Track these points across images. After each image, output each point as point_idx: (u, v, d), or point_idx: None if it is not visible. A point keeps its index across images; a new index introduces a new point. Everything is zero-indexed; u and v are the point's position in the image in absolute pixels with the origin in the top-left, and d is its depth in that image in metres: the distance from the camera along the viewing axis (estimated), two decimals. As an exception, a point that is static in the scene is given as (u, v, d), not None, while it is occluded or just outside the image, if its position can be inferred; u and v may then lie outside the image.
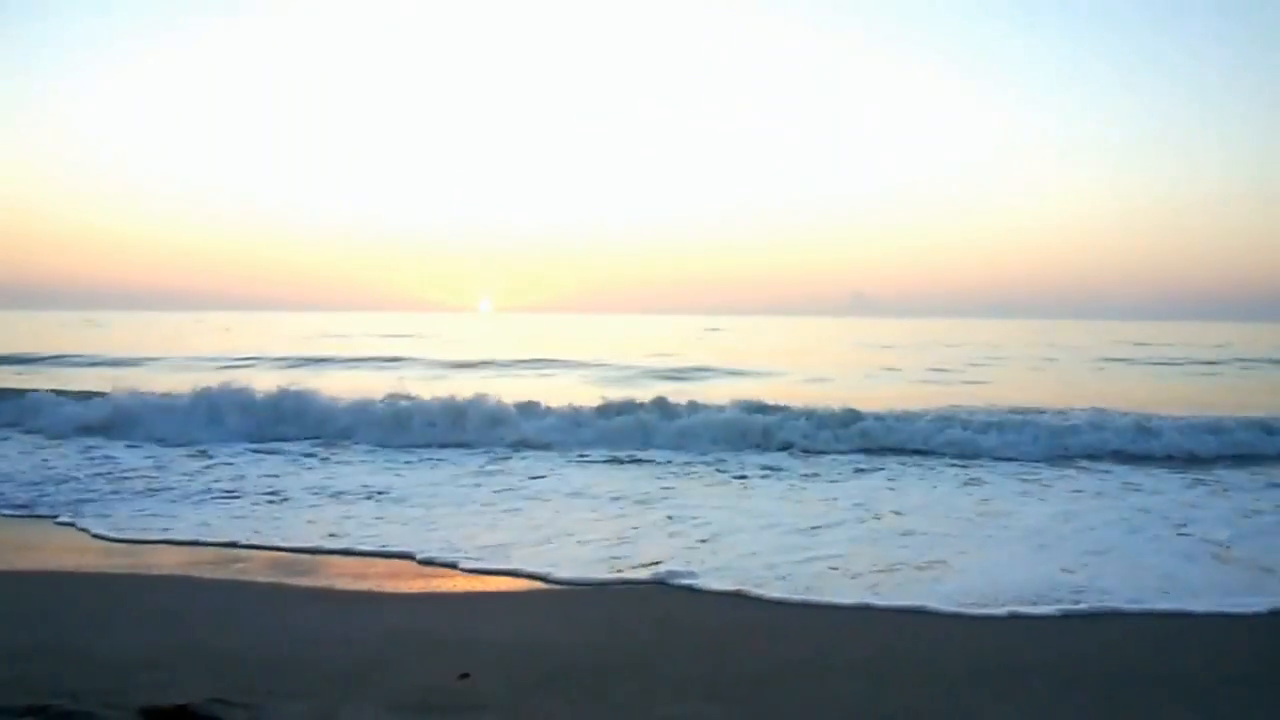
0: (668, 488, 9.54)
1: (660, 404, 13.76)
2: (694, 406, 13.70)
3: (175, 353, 29.92)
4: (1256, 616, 5.35)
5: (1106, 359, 32.88)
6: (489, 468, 10.77)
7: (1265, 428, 12.70)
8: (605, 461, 11.35)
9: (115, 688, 3.66)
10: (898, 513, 8.27)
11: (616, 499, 8.83)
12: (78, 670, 3.95)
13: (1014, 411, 14.40)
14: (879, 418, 13.08)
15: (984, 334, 58.14)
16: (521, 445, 12.29)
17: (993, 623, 5.22)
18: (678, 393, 15.59)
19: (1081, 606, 5.45)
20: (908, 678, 4.25)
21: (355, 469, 10.60)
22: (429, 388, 15.31)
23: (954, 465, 11.18)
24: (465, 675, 4.07)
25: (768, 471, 10.68)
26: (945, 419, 13.16)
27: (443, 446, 12.20)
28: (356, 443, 12.44)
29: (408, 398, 13.73)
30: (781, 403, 13.69)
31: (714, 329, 49.20)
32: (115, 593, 5.64)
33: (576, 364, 26.92)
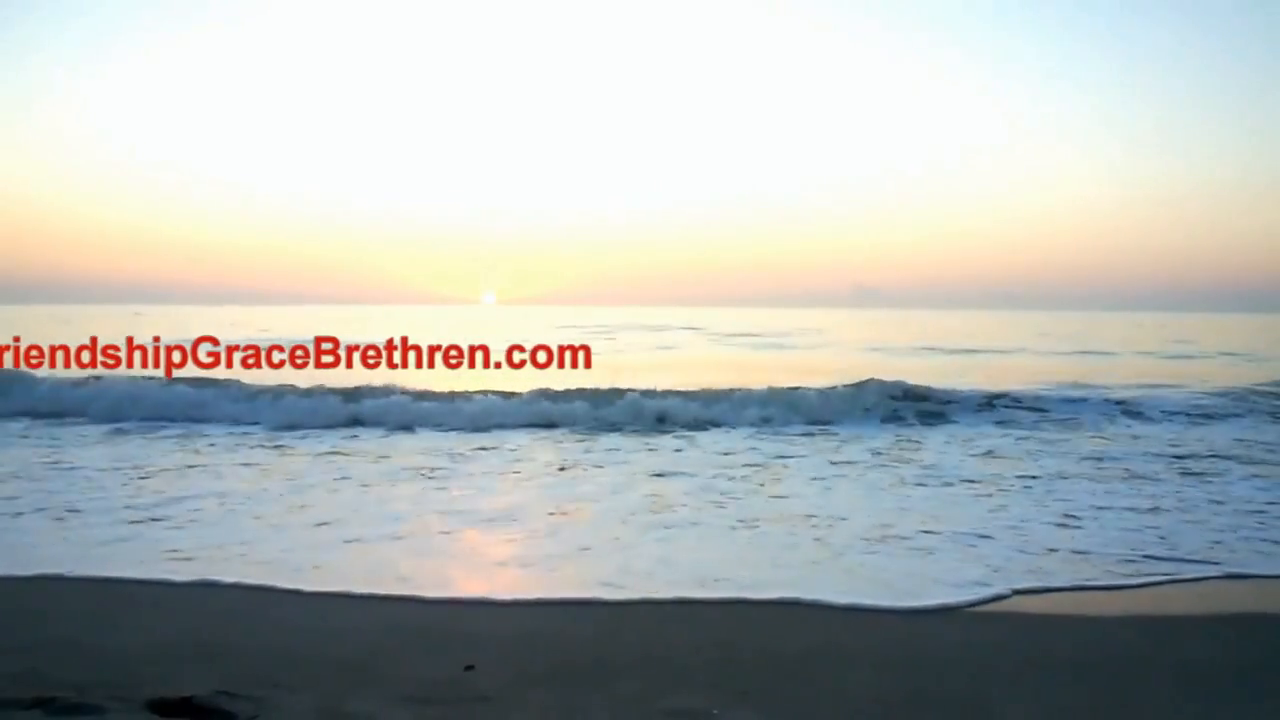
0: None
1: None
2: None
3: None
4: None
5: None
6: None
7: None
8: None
9: (122, 681, 3.69)
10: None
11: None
12: (84, 664, 3.98)
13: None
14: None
15: (1024, 326, 56.74)
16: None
17: (993, 615, 5.16)
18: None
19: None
20: (913, 669, 4.19)
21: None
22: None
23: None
24: (470, 668, 4.07)
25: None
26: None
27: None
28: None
29: None
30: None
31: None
32: (120, 589, 5.67)
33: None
